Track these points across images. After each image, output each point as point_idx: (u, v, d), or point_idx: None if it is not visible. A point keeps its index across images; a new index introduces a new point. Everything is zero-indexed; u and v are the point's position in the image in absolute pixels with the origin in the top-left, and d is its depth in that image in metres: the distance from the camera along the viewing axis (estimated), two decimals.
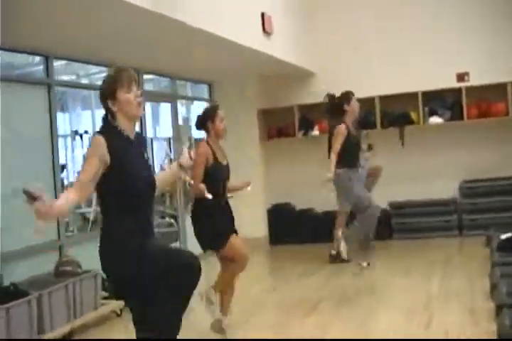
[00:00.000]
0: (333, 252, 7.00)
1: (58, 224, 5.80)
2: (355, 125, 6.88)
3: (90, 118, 8.98)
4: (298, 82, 9.04)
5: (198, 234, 4.61)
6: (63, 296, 4.92)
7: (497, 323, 3.90)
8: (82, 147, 8.31)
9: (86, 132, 8.57)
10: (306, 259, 7.53)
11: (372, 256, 7.07)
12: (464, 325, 4.51)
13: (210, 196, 4.31)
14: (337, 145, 6.48)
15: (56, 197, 3.22)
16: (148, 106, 7.86)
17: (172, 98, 8.26)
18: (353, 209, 6.72)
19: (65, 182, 7.68)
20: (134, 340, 3.15)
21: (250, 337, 4.58)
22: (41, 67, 5.99)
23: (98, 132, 3.05)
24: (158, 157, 9.58)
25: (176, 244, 7.62)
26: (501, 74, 8.15)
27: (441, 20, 8.52)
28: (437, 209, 8.30)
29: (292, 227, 8.57)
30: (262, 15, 6.97)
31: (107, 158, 2.93)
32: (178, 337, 3.13)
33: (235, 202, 4.80)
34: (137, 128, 3.45)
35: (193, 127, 4.88)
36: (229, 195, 4.68)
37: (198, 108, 8.66)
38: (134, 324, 3.13)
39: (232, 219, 4.67)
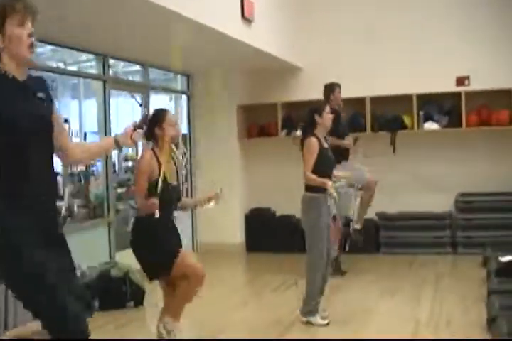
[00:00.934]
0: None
1: None
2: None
3: None
4: (283, 77, 8.59)
5: (143, 259, 4.05)
6: None
7: None
8: None
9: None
10: (284, 270, 7.07)
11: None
12: None
13: (157, 214, 3.82)
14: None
15: None
16: (114, 96, 7.18)
17: (143, 88, 7.61)
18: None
19: None
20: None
21: None
22: None
23: None
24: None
25: None
26: (505, 79, 7.67)
27: (441, 18, 8.00)
28: (429, 224, 7.90)
29: (271, 234, 8.23)
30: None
31: None
32: None
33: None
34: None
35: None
36: (210, 204, 4.22)
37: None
38: None
39: (179, 235, 4.18)
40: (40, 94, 2.66)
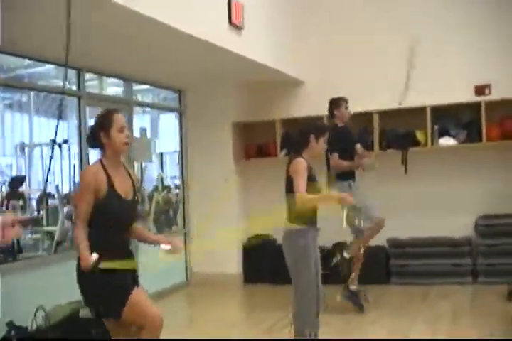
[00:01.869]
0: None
1: None
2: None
3: None
4: (282, 92, 8.28)
5: (89, 296, 3.42)
6: None
7: None
8: None
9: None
10: (283, 304, 6.26)
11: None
12: None
13: (95, 257, 3.25)
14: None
15: None
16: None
17: (126, 104, 7.10)
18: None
19: None
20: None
21: None
22: None
23: None
24: None
25: None
26: None
27: (458, 21, 7.57)
28: (446, 250, 7.51)
29: (270, 264, 7.71)
30: (229, 2, 5.83)
31: None
32: None
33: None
34: None
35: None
36: (166, 247, 3.57)
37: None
38: None
39: (133, 263, 3.53)
40: None
